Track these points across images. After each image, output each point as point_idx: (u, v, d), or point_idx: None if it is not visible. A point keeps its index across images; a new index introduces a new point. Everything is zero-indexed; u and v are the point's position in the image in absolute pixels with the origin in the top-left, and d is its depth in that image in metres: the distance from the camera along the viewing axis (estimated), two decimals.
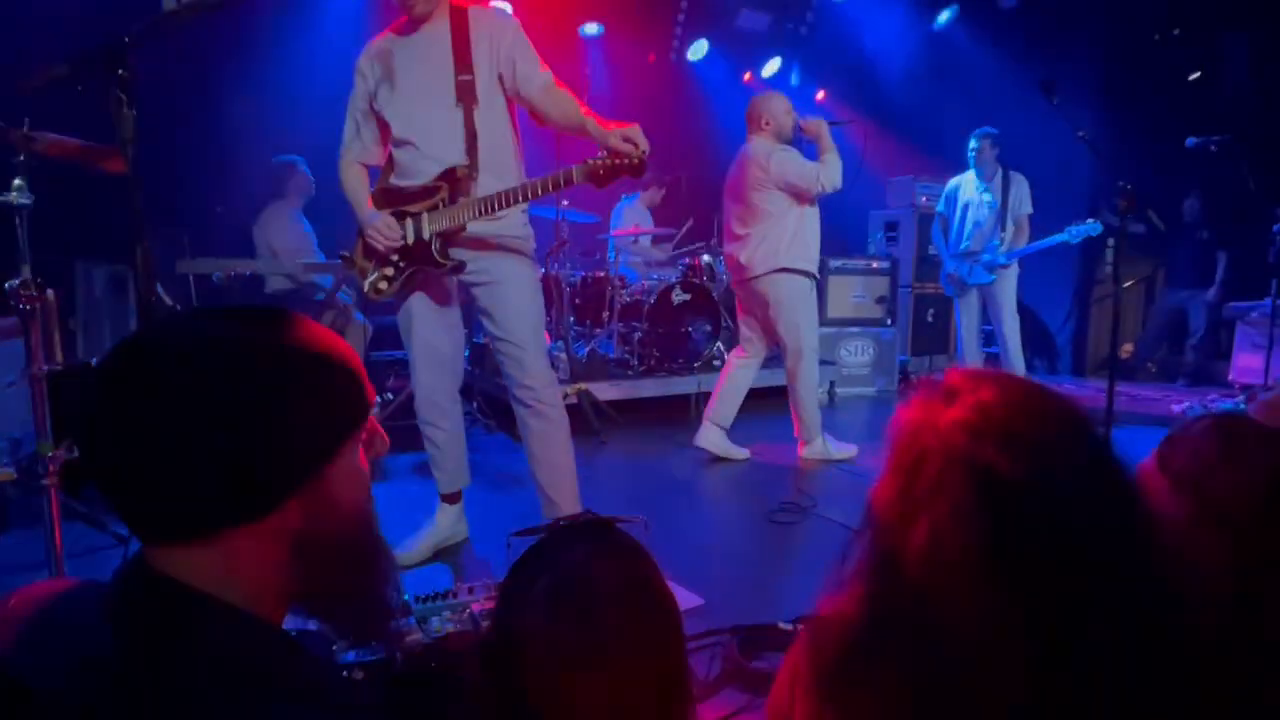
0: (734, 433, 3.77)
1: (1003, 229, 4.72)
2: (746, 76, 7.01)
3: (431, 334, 2.35)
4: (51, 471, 1.60)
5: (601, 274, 5.05)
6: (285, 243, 4.28)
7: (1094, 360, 6.50)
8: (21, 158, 1.40)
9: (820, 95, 7.02)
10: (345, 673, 1.19)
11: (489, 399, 4.34)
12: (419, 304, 2.33)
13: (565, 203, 4.46)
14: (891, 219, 6.01)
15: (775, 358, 5.45)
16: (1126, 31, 5.99)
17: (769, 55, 6.94)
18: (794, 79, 7.16)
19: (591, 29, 6.15)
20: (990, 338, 5.06)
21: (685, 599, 2.08)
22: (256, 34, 4.79)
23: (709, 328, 4.90)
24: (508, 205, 2.10)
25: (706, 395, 4.72)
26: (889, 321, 5.61)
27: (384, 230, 2.21)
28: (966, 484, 0.61)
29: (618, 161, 1.91)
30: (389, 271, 2.27)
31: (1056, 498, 0.60)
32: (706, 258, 5.30)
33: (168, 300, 3.95)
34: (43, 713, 0.57)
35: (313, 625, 0.77)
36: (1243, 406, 4.48)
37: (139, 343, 0.65)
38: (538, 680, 0.75)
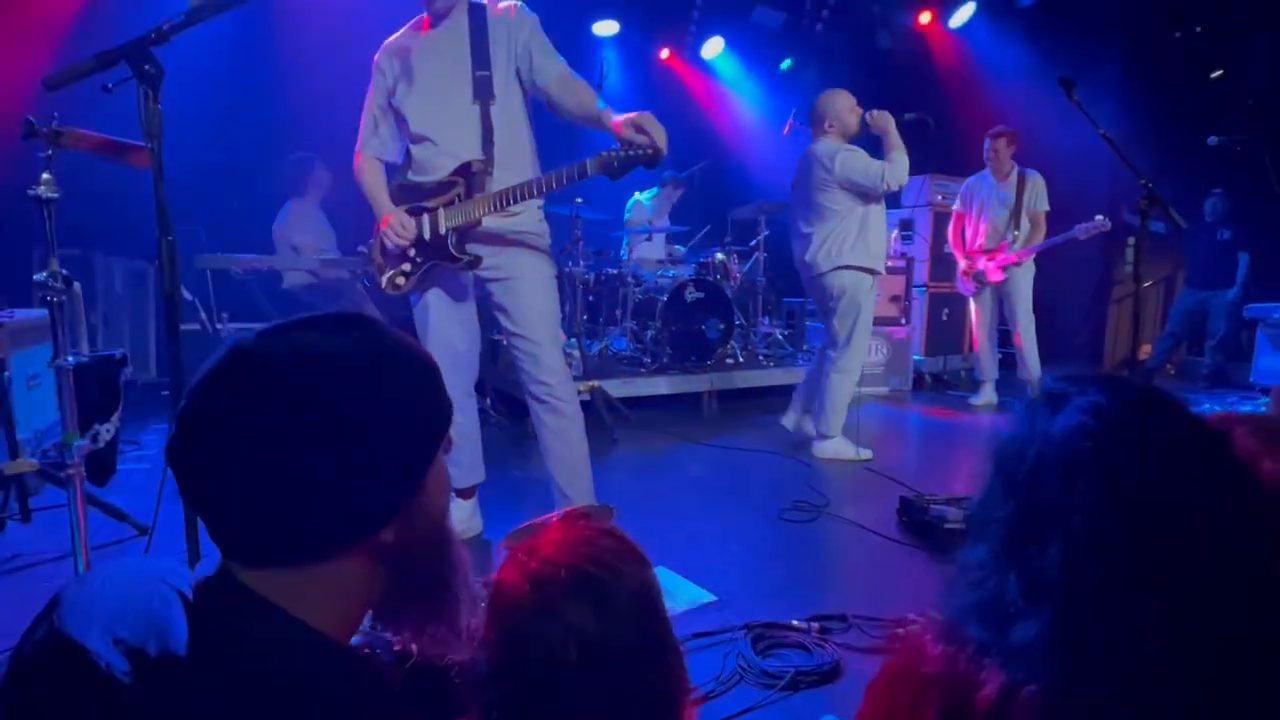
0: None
1: (1016, 227, 4.70)
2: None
3: (447, 329, 2.37)
4: (76, 462, 1.62)
5: (615, 271, 5.05)
6: (306, 238, 4.32)
7: (1112, 361, 6.43)
8: (50, 153, 1.43)
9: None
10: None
11: (502, 395, 4.36)
12: (435, 299, 2.34)
13: (580, 200, 4.47)
14: (906, 218, 5.97)
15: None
16: (1147, 29, 5.91)
17: (784, 52, 6.92)
18: (810, 77, 7.13)
19: (606, 28, 6.16)
20: (1006, 337, 5.02)
21: (697, 595, 2.08)
22: (273, 30, 4.83)
23: (722, 326, 4.90)
24: (523, 199, 2.11)
25: (720, 393, 4.74)
26: (903, 321, 5.58)
27: (399, 226, 2.23)
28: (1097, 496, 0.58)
29: (632, 153, 1.90)
30: (406, 267, 2.29)
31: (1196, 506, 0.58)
32: (720, 255, 5.29)
33: (188, 295, 4.01)
34: (117, 704, 0.57)
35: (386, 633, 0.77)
36: (1263, 409, 4.42)
37: (236, 370, 0.63)
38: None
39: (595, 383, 4.14)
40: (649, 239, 5.46)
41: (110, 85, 1.27)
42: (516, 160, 2.23)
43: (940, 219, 5.80)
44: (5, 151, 2.02)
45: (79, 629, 0.58)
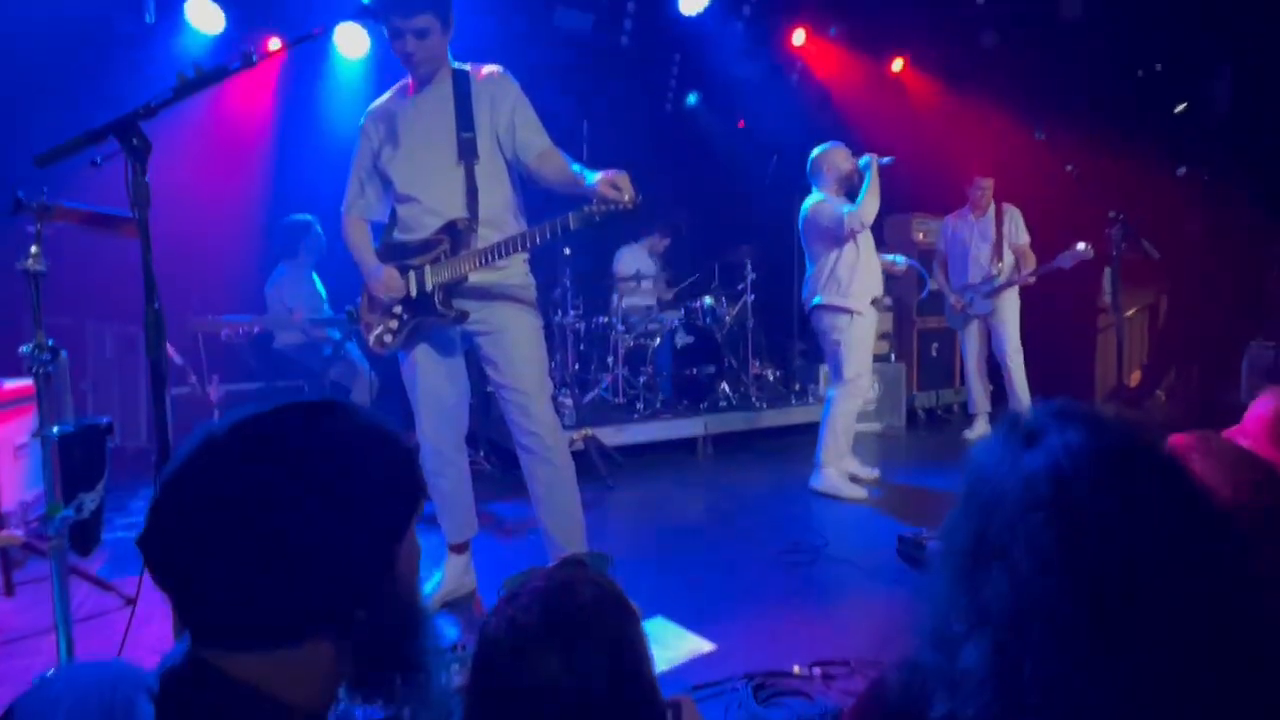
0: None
1: (999, 259, 4.81)
2: (740, 123, 7.19)
3: (436, 384, 2.37)
4: (60, 535, 1.60)
5: (604, 319, 5.09)
6: (300, 299, 4.35)
7: (1101, 390, 6.47)
8: (39, 226, 1.45)
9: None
10: None
11: (495, 447, 4.34)
12: (423, 355, 2.36)
13: (567, 250, 4.53)
14: (891, 258, 6.06)
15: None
16: (1110, 68, 6.13)
17: (764, 102, 7.13)
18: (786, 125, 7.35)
19: (588, 83, 6.35)
20: (996, 369, 5.06)
21: (696, 645, 2.05)
22: (261, 96, 4.96)
23: (713, 369, 4.92)
24: (507, 254, 2.15)
25: (713, 437, 4.73)
26: (893, 357, 5.62)
27: (387, 283, 2.26)
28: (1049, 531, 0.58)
29: (609, 206, 1.97)
30: (393, 324, 2.31)
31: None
32: (708, 300, 5.35)
33: (178, 359, 4.01)
34: None
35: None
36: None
37: (207, 462, 0.65)
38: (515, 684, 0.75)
39: (588, 431, 4.13)
40: (638, 286, 5.52)
41: (99, 160, 1.30)
42: (501, 217, 2.28)
43: (924, 256, 5.90)
44: None
45: None
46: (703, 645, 2.04)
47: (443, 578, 2.45)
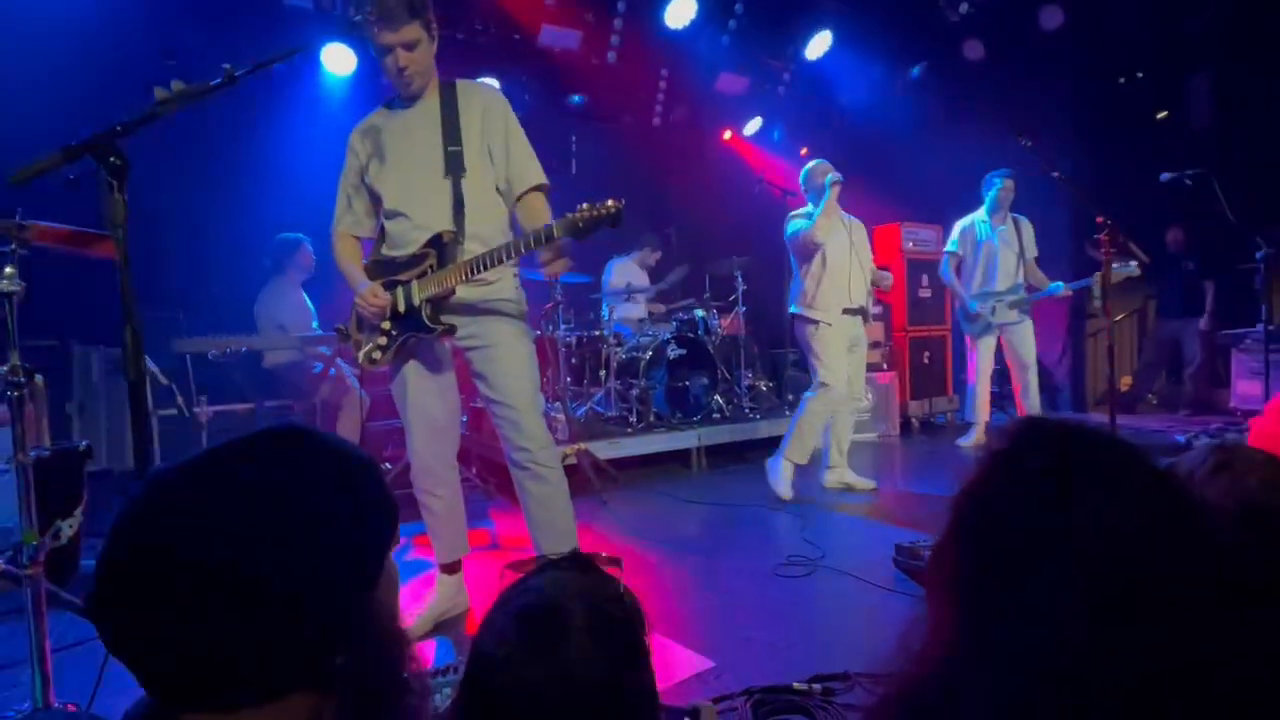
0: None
1: (1022, 269, 4.75)
2: (726, 135, 7.22)
3: (426, 401, 2.34)
4: (36, 561, 1.56)
5: (596, 333, 5.08)
6: (290, 317, 4.31)
7: (1093, 394, 6.49)
8: (13, 246, 1.42)
9: (804, 152, 7.23)
10: None
11: (487, 464, 4.30)
12: (413, 371, 2.33)
13: None
14: (879, 265, 6.07)
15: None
16: (1092, 77, 6.21)
17: (750, 116, 7.18)
18: (776, 137, 7.39)
19: (576, 99, 6.37)
20: (997, 378, 5.07)
21: (695, 662, 2.01)
22: (249, 115, 4.94)
23: (706, 381, 4.90)
24: (492, 266, 2.12)
25: (708, 449, 4.71)
26: (885, 366, 5.62)
27: (369, 298, 2.24)
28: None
29: (595, 214, 1.95)
30: (382, 341, 2.28)
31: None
32: (700, 312, 5.34)
33: (163, 380, 3.96)
34: None
35: None
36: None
37: (156, 512, 0.59)
38: (504, 701, 0.72)
39: (582, 445, 4.10)
40: (629, 299, 5.51)
41: (74, 178, 1.27)
42: (488, 231, 2.25)
43: (913, 265, 5.92)
44: None
45: None
46: (701, 662, 2.01)
47: (435, 598, 2.41)
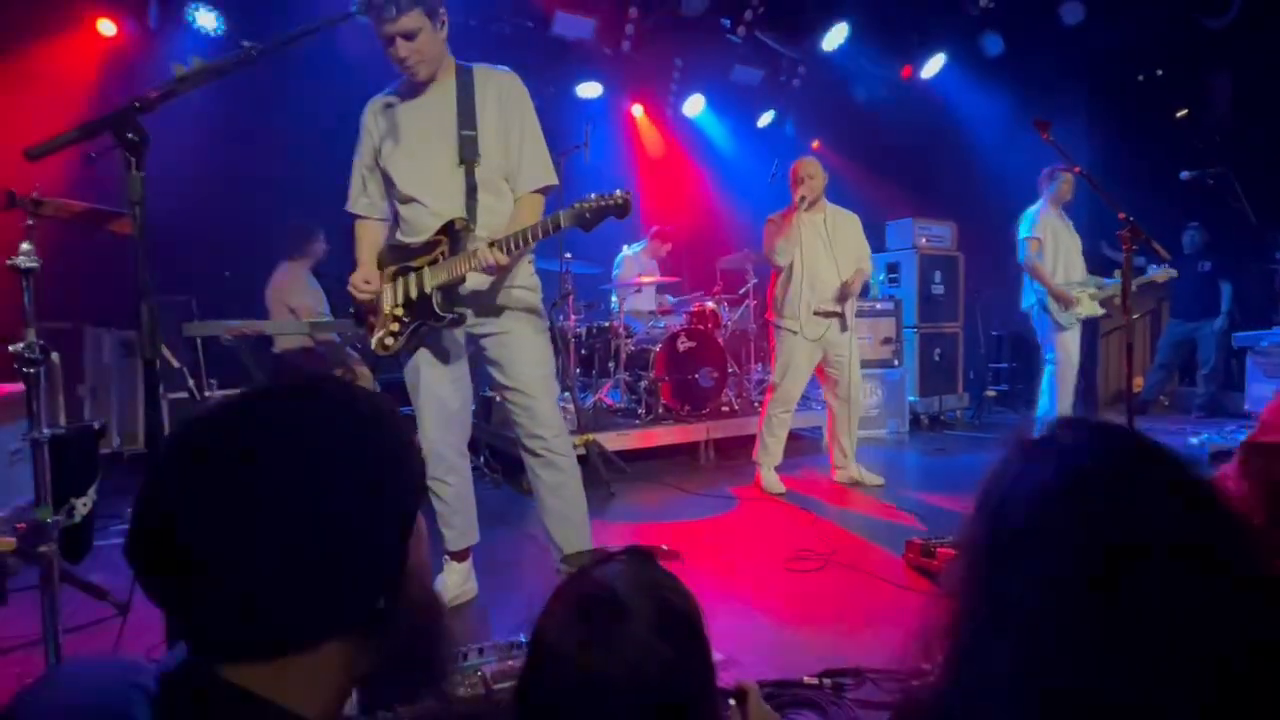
0: (750, 477, 3.73)
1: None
2: (815, 144, 7.07)
3: (439, 388, 2.33)
4: (51, 539, 1.56)
5: (606, 324, 5.06)
6: (302, 301, 4.31)
7: (1106, 396, 6.43)
8: (31, 223, 1.42)
9: (815, 145, 7.18)
10: None
11: (497, 453, 4.30)
12: (425, 358, 2.31)
13: (569, 255, 4.50)
14: (892, 260, 6.05)
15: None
16: (1111, 73, 6.14)
17: (763, 108, 7.13)
18: (789, 130, 7.34)
19: (590, 89, 6.33)
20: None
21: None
22: (263, 97, 4.94)
23: (716, 374, 4.88)
24: (507, 252, 2.09)
25: (716, 442, 4.70)
26: (896, 363, 5.58)
27: (359, 284, 2.24)
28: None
29: (603, 204, 1.95)
30: (394, 327, 2.27)
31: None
32: (711, 304, 5.32)
33: (175, 363, 3.97)
34: None
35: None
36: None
37: (192, 452, 0.58)
38: (569, 691, 0.72)
39: (590, 436, 4.09)
40: (639, 292, 5.49)
41: (94, 155, 1.26)
42: (501, 219, 2.23)
43: (926, 260, 5.88)
44: None
45: None
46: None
47: (443, 585, 2.40)
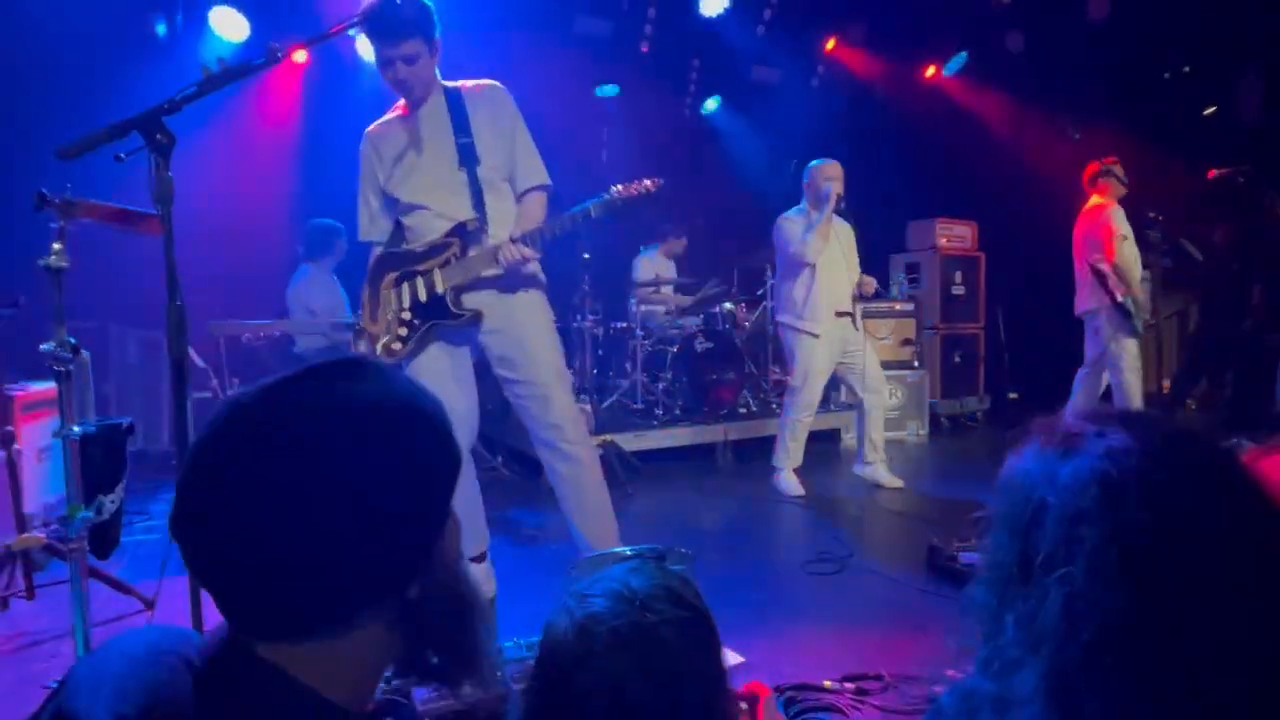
0: (767, 479, 3.73)
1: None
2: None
3: (445, 390, 2.31)
4: (80, 537, 1.58)
5: (623, 325, 5.06)
6: (320, 302, 4.35)
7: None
8: (62, 224, 1.44)
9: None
10: None
11: (515, 454, 4.31)
12: (431, 361, 2.31)
13: (586, 255, 4.50)
14: (912, 261, 6.00)
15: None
16: (1136, 70, 6.03)
17: (782, 108, 7.09)
18: (808, 129, 7.29)
19: (608, 89, 6.33)
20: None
21: (726, 657, 1.98)
22: (288, 101, 4.99)
23: (733, 375, 4.86)
24: (535, 245, 2.14)
25: (734, 443, 4.67)
26: (916, 364, 5.53)
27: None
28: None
29: (632, 193, 2.00)
30: (403, 331, 2.27)
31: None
32: (729, 305, 5.30)
33: (199, 362, 4.02)
34: None
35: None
36: None
37: (237, 429, 0.58)
38: (586, 693, 0.72)
39: (608, 437, 4.09)
40: (656, 292, 5.49)
41: (123, 155, 1.28)
42: (508, 217, 2.28)
43: (947, 261, 5.81)
44: (23, 228, 2.06)
45: (85, 707, 0.56)
46: (731, 658, 1.98)
47: None
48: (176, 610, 1.90)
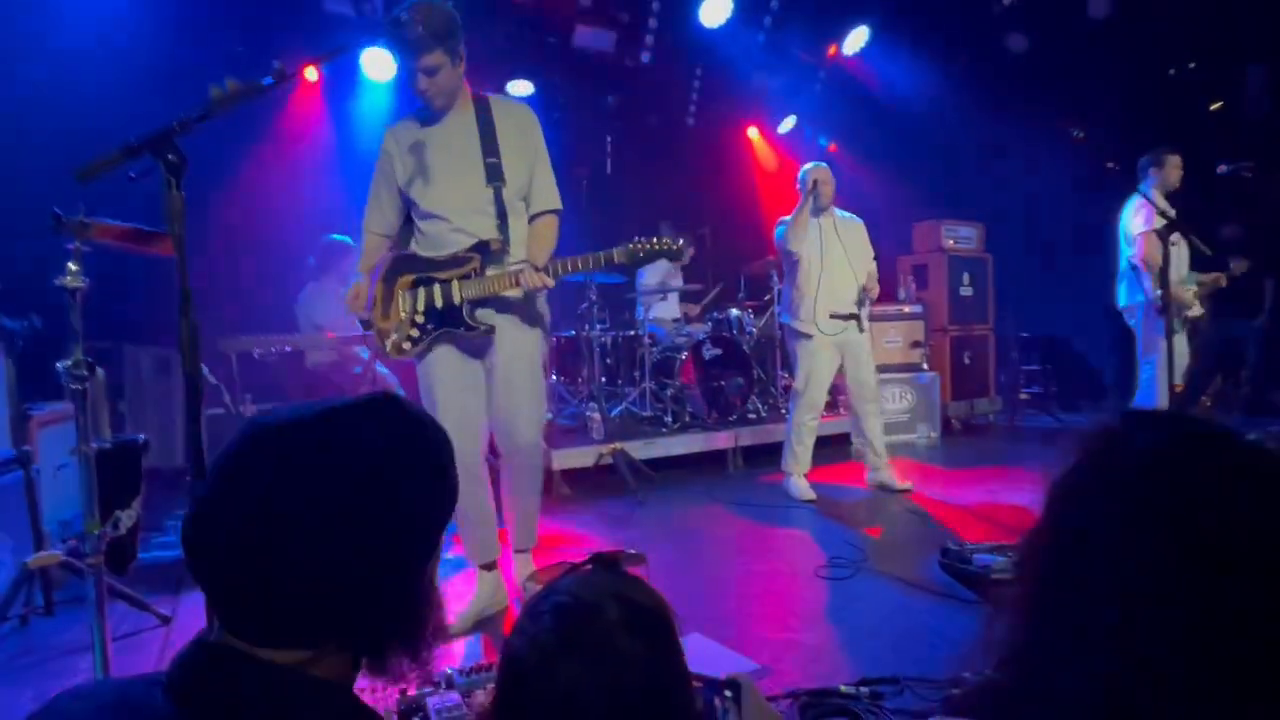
0: (778, 484, 3.69)
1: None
2: (832, 147, 7.09)
3: (457, 395, 2.35)
4: (98, 551, 1.60)
5: (631, 333, 5.06)
6: (328, 318, 4.38)
7: None
8: (77, 244, 1.47)
9: (832, 148, 7.14)
10: None
11: None
12: (442, 365, 2.34)
13: None
14: (919, 263, 5.98)
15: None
16: (1141, 67, 6.01)
17: (785, 114, 7.11)
18: (811, 135, 7.31)
19: (610, 99, 6.38)
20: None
21: (741, 664, 1.98)
22: (291, 118, 5.05)
23: (742, 381, 4.85)
24: (556, 276, 2.21)
25: (744, 449, 4.67)
26: (925, 366, 5.50)
27: (350, 301, 2.38)
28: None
29: (656, 248, 2.13)
30: (414, 333, 2.31)
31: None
32: (735, 311, 5.30)
33: (212, 379, 4.06)
34: None
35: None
36: None
37: (256, 453, 0.64)
38: (543, 700, 0.74)
39: (617, 445, 4.09)
40: (664, 299, 5.49)
41: (135, 175, 1.30)
42: (525, 239, 2.35)
43: (954, 262, 5.79)
44: (38, 248, 2.09)
45: None
46: (745, 664, 1.98)
47: (476, 595, 2.41)
48: (193, 627, 1.91)
